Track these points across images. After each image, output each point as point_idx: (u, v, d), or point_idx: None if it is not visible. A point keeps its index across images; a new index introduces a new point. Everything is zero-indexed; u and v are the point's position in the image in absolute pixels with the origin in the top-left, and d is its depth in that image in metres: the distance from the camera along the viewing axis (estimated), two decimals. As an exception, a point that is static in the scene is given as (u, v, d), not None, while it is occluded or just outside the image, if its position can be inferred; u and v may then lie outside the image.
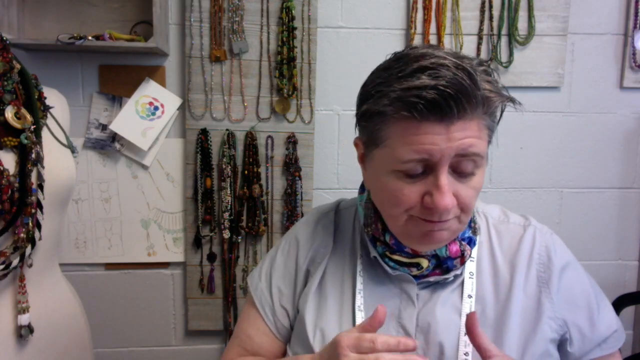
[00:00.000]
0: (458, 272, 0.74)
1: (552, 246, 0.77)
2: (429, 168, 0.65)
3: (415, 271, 0.73)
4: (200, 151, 1.52)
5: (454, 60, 0.61)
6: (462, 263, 0.74)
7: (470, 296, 0.73)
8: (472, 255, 0.76)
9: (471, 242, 0.75)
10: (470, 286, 0.74)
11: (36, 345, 0.96)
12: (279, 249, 0.87)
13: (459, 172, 0.65)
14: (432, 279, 0.74)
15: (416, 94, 0.60)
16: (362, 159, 0.75)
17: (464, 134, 0.62)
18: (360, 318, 0.74)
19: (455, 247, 0.72)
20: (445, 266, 0.73)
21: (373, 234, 0.76)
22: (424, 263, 0.72)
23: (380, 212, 0.74)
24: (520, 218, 0.82)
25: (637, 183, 1.70)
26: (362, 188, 0.82)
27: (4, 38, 0.93)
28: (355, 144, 0.76)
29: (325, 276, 0.80)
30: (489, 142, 0.69)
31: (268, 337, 0.83)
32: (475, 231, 0.76)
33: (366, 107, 0.68)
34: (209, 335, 1.63)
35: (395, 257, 0.74)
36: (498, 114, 0.69)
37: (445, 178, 0.63)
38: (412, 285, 0.74)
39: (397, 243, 0.73)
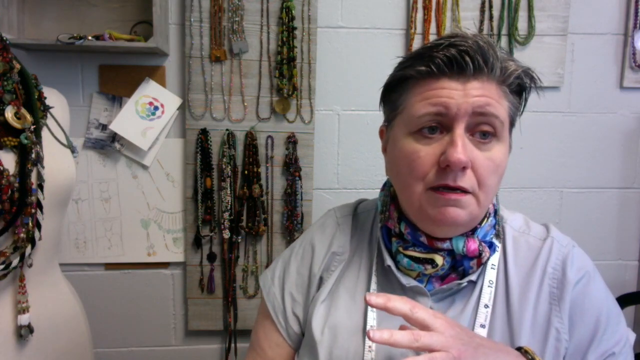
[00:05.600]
0: (473, 277, 0.71)
1: (569, 259, 0.72)
2: (446, 128, 0.65)
3: (430, 269, 0.70)
4: (200, 151, 1.52)
5: (477, 34, 0.65)
6: (479, 265, 0.71)
7: (487, 306, 0.70)
8: (493, 263, 0.72)
9: (491, 247, 0.72)
10: (488, 295, 0.71)
11: (36, 346, 0.97)
12: (293, 253, 0.84)
13: (474, 136, 0.65)
14: (445, 286, 0.71)
15: (435, 51, 0.65)
16: (385, 148, 0.76)
17: (481, 92, 0.64)
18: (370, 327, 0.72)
19: (473, 245, 0.69)
20: (461, 268, 0.71)
21: (387, 225, 0.75)
22: (439, 260, 0.69)
23: (398, 191, 0.73)
24: (541, 230, 0.77)
25: (637, 183, 1.70)
26: (384, 185, 0.82)
27: (4, 38, 0.93)
28: (380, 132, 0.78)
29: (339, 283, 0.78)
30: (512, 123, 0.70)
31: (281, 350, 0.81)
32: (498, 235, 0.73)
33: (390, 77, 0.72)
34: (209, 335, 1.63)
35: (409, 252, 0.71)
36: (521, 106, 0.71)
37: (460, 134, 0.64)
38: (425, 299, 0.71)
39: (412, 232, 0.71)
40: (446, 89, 0.64)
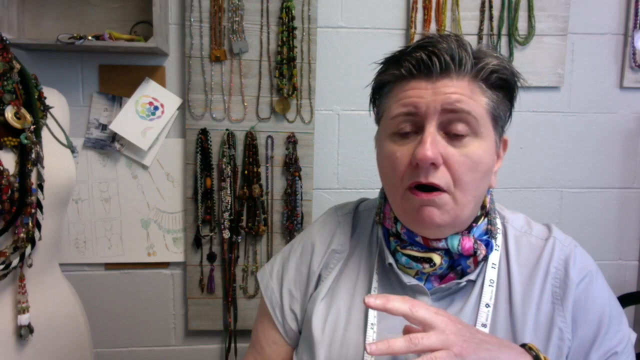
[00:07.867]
0: (472, 277, 0.71)
1: (571, 259, 0.72)
2: (420, 128, 0.67)
3: (428, 267, 0.70)
4: (200, 151, 1.52)
5: (449, 34, 0.68)
6: (476, 264, 0.71)
7: (488, 305, 0.70)
8: (493, 262, 0.72)
9: (489, 246, 0.71)
10: (489, 294, 0.70)
11: (36, 346, 0.97)
12: (292, 250, 0.84)
13: (449, 133, 0.66)
14: (444, 285, 0.71)
15: (405, 55, 0.68)
16: None
17: (450, 89, 0.65)
18: (371, 331, 0.71)
19: (468, 244, 0.69)
20: (459, 267, 0.71)
21: (385, 224, 0.76)
22: (436, 259, 0.70)
23: (386, 192, 0.74)
24: (543, 230, 0.77)
25: (637, 183, 1.70)
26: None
27: (4, 38, 0.93)
28: (375, 141, 0.80)
29: (338, 280, 0.78)
30: (496, 119, 0.69)
31: (278, 347, 0.81)
32: (492, 234, 0.73)
33: (371, 84, 0.76)
34: (209, 335, 1.63)
35: (407, 251, 0.71)
36: (507, 100, 0.70)
37: (429, 132, 0.65)
38: (425, 298, 0.72)
39: (408, 232, 0.71)
40: (416, 89, 0.66)
